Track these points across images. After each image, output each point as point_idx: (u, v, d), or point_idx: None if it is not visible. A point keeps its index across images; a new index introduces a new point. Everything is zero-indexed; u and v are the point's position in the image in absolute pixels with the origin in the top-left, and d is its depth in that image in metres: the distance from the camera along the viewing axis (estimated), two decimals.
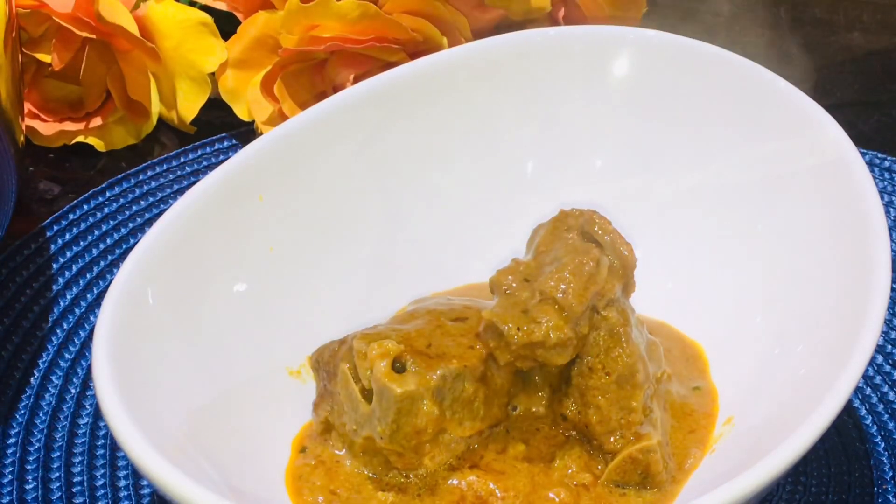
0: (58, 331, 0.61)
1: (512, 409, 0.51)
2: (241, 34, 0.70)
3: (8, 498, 0.53)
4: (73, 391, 0.58)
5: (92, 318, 0.61)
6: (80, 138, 0.72)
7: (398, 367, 0.48)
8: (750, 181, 0.57)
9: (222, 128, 0.73)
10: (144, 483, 0.54)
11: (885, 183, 0.68)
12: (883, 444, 0.55)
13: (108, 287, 0.51)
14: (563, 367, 0.50)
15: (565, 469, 0.50)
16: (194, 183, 0.54)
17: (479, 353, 0.49)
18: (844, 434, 0.55)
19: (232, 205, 0.54)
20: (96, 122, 0.72)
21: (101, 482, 0.54)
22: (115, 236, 0.66)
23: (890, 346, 0.59)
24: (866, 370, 0.49)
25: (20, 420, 0.56)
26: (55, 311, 0.62)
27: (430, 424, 0.48)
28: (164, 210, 0.55)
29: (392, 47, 0.67)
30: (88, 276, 0.63)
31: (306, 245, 0.57)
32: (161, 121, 0.73)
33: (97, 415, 0.57)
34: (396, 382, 0.48)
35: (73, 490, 0.54)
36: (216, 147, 0.72)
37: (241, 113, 0.72)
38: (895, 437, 0.55)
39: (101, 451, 0.55)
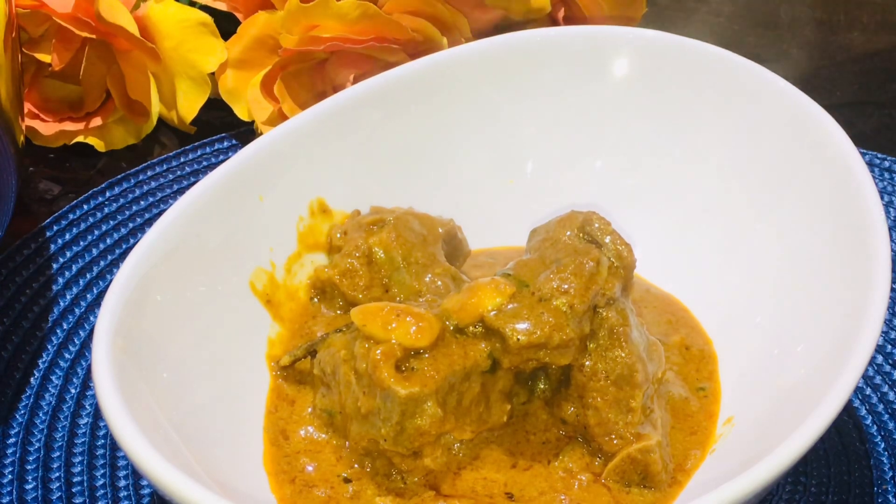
0: (58, 331, 0.60)
1: (513, 412, 0.51)
2: (241, 34, 0.70)
3: (8, 498, 0.53)
4: (73, 391, 0.58)
5: (92, 318, 0.61)
6: (80, 138, 0.72)
7: (402, 368, 0.48)
8: (749, 181, 0.57)
9: (222, 128, 0.73)
10: (144, 483, 0.54)
11: (885, 183, 0.68)
12: (883, 444, 0.55)
13: (108, 287, 0.51)
14: (563, 368, 0.50)
15: (566, 469, 0.50)
16: (194, 183, 0.54)
17: (482, 356, 0.49)
18: (844, 434, 0.55)
19: (232, 205, 0.54)
20: (96, 122, 0.72)
21: (100, 482, 0.54)
22: (115, 236, 0.66)
23: (890, 346, 0.59)
24: (866, 370, 0.49)
25: (20, 420, 0.56)
26: (55, 311, 0.61)
27: (433, 426, 0.48)
28: (164, 210, 0.55)
29: (392, 47, 0.67)
30: (88, 276, 0.63)
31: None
32: (161, 121, 0.73)
33: (97, 415, 0.57)
34: (400, 384, 0.47)
35: (73, 490, 0.54)
36: (216, 147, 0.72)
37: (241, 113, 0.72)
38: (895, 437, 0.55)
39: (100, 451, 0.55)
